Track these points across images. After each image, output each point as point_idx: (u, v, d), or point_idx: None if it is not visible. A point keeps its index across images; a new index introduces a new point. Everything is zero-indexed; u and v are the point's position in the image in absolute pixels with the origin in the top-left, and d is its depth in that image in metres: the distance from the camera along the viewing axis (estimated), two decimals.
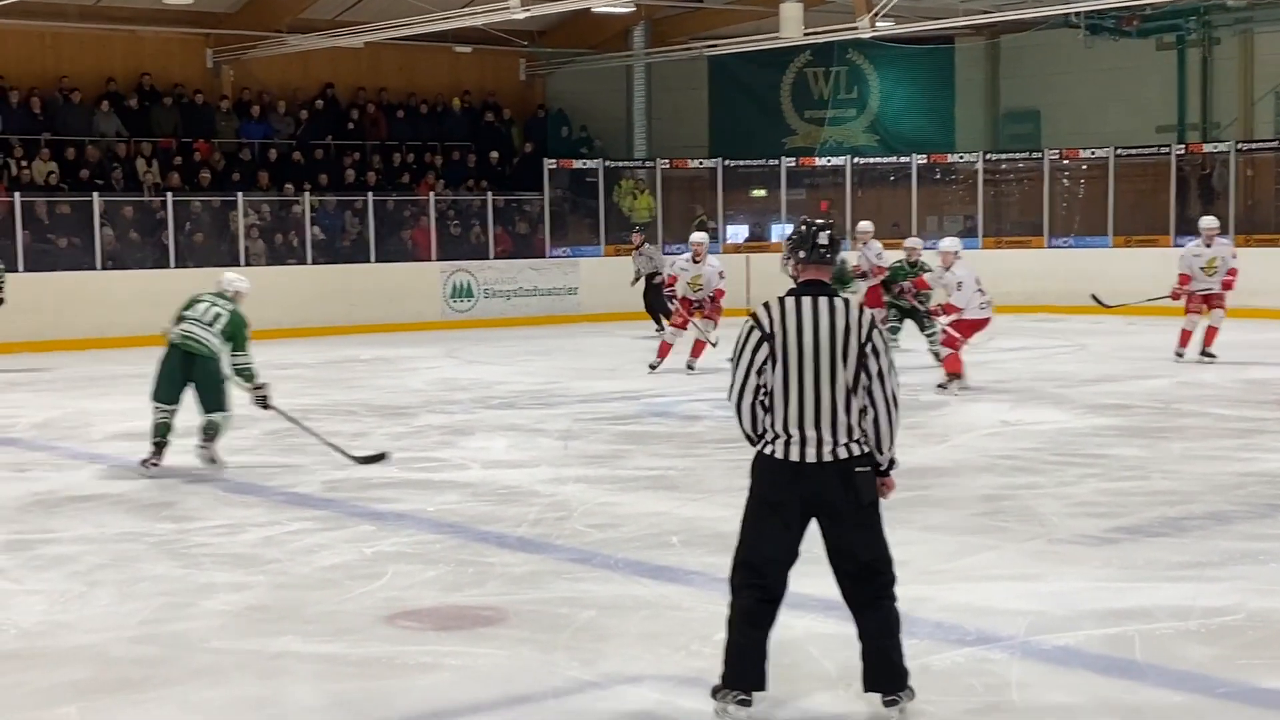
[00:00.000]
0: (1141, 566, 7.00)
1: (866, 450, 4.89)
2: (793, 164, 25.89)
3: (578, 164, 25.66)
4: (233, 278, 10.58)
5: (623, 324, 22.42)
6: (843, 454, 4.85)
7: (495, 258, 24.21)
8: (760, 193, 26.58)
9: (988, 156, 25.55)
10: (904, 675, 4.96)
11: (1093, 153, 24.02)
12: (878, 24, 21.56)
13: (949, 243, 13.76)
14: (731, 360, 5.13)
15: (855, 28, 21.71)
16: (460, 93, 27.16)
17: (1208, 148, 24.09)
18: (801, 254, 5.10)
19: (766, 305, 5.07)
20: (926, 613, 6.21)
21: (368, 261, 22.98)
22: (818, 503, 4.89)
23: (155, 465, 9.98)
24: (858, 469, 4.85)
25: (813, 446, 4.87)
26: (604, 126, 28.18)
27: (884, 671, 4.95)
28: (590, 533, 8.00)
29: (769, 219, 26.38)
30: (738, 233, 26.51)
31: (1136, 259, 21.50)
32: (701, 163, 25.98)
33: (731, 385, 5.13)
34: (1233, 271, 15.33)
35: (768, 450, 4.99)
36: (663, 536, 7.85)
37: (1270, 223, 22.13)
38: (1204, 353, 15.14)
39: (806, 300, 4.99)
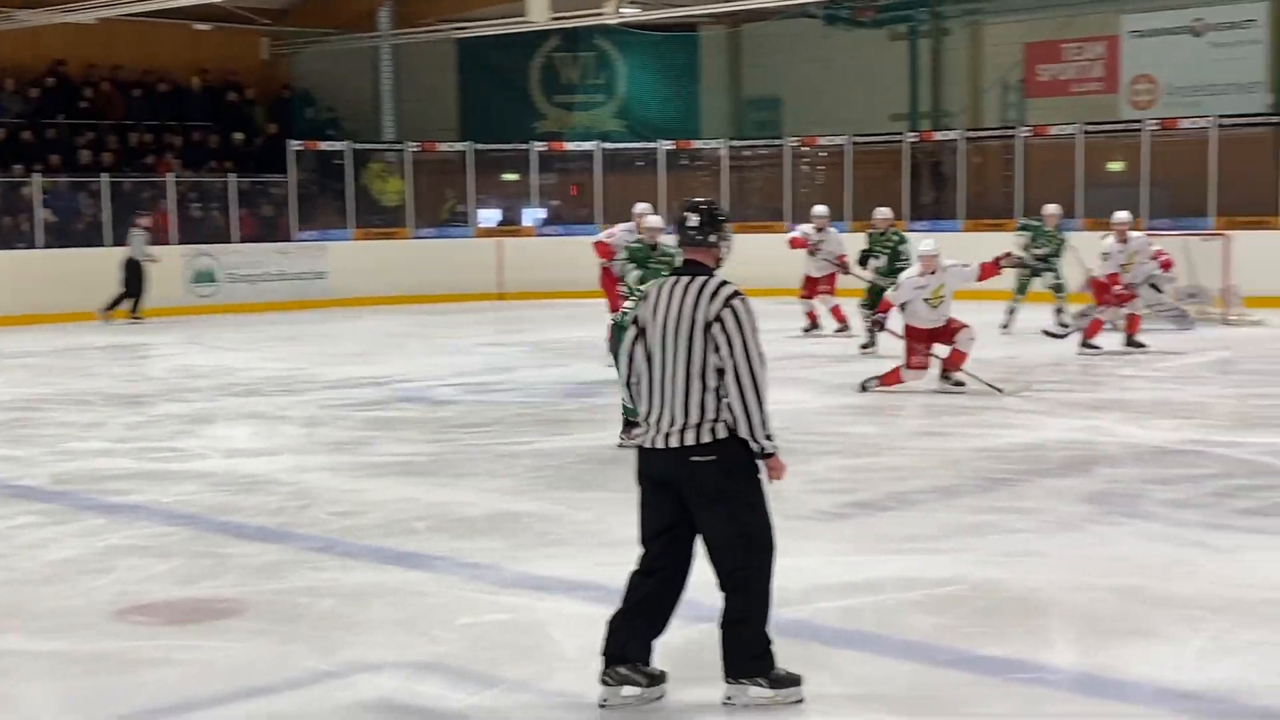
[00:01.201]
0: (872, 540, 7.22)
1: (721, 436, 4.72)
2: (543, 148, 25.93)
3: (324, 146, 25.25)
4: None
5: (373, 309, 22.24)
6: (675, 442, 4.73)
7: (240, 241, 23.68)
8: (511, 177, 26.56)
9: (731, 143, 26.01)
10: (740, 665, 4.86)
11: (831, 139, 24.65)
12: (623, 10, 21.75)
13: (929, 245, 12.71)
14: None
15: (601, 14, 21.86)
16: (200, 71, 26.48)
17: (939, 135, 24.97)
18: (678, 237, 4.99)
19: (645, 291, 5.03)
20: None
21: (103, 245, 22.22)
22: (670, 486, 4.80)
23: None
24: (693, 458, 4.70)
25: (655, 432, 4.79)
26: (352, 109, 27.83)
27: (724, 656, 4.90)
28: (333, 520, 7.91)
29: (520, 203, 26.38)
30: (490, 217, 26.45)
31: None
32: (452, 146, 25.84)
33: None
34: (1160, 253, 15.57)
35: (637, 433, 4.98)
36: (408, 523, 7.81)
37: (996, 207, 23.00)
38: (1133, 341, 14.94)
39: (678, 283, 4.84)
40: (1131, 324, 14.90)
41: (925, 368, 12.25)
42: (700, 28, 27.96)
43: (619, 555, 6.93)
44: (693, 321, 4.71)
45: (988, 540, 7.18)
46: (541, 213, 26.24)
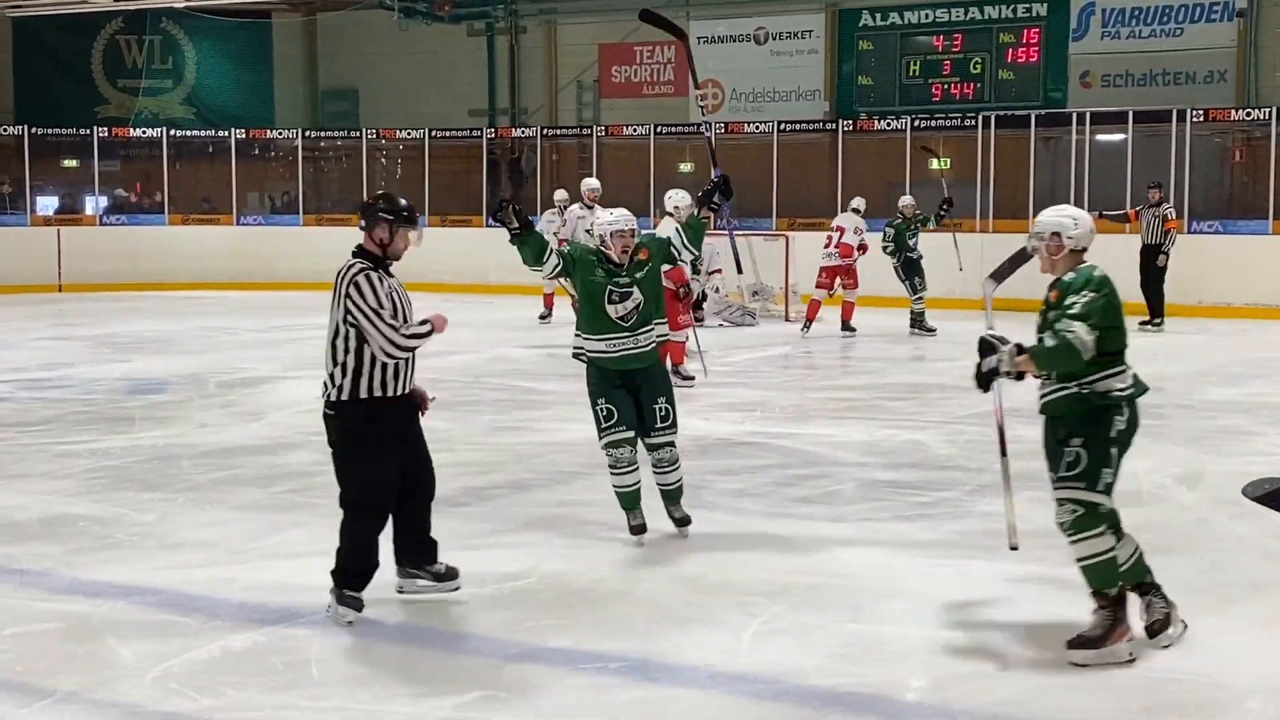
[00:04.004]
0: (447, 536, 7.21)
1: (334, 396, 5.76)
2: (106, 134, 24.81)
3: None
4: None
5: None
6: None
7: None
8: (72, 163, 25.28)
9: (307, 134, 25.57)
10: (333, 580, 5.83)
11: (409, 133, 24.56)
12: None
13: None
14: None
15: None
16: None
17: (516, 132, 25.25)
18: None
19: None
20: (231, 593, 6.16)
21: None
22: None
23: None
24: (324, 411, 5.81)
25: None
26: None
27: None
28: None
29: (82, 190, 25.16)
30: (48, 204, 25.12)
31: (453, 238, 22.15)
32: (6, 129, 24.38)
33: None
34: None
35: None
36: None
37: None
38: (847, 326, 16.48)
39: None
40: None
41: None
42: (274, 15, 27.36)
43: (182, 558, 6.75)
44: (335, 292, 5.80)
45: (559, 532, 7.30)
46: (105, 201, 25.10)
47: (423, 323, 5.78)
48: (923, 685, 5.12)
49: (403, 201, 5.91)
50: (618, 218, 6.95)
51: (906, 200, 16.87)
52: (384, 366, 5.72)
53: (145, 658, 5.29)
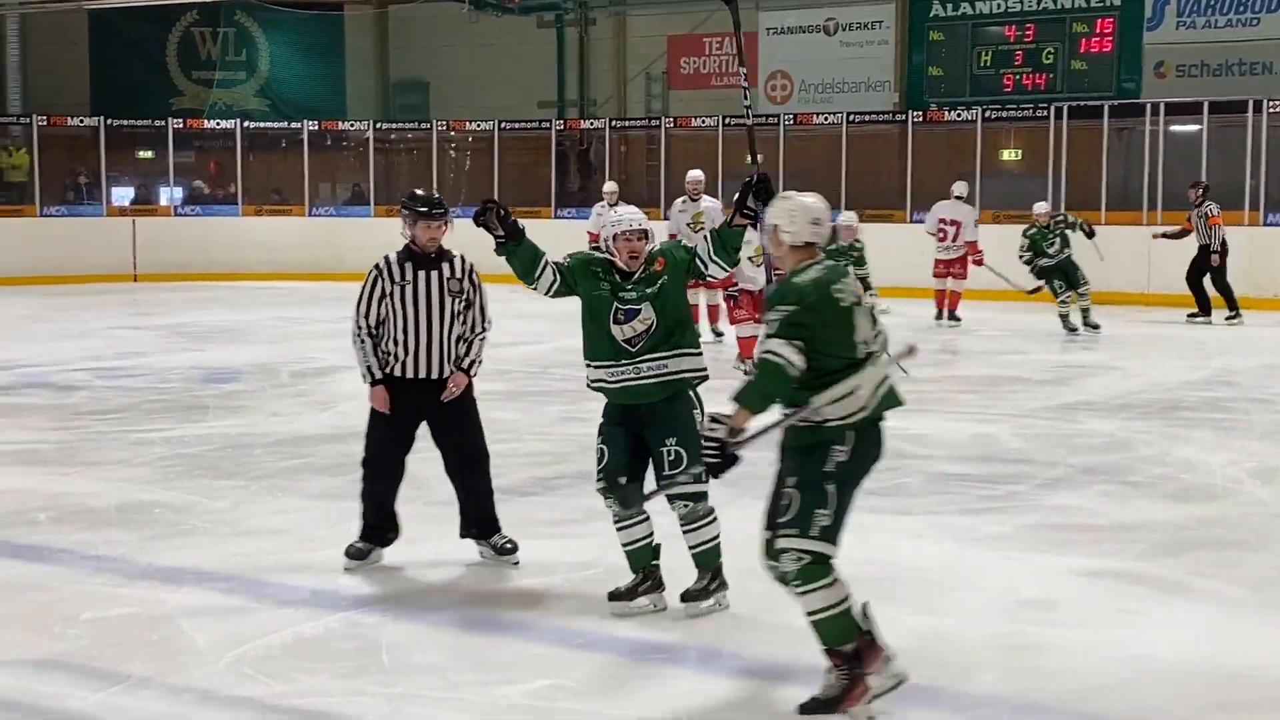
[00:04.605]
0: (514, 524, 7.26)
1: None
2: (180, 125, 25.08)
3: None
4: None
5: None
6: None
7: None
8: (147, 154, 25.59)
9: (378, 125, 25.75)
10: None
11: (478, 125, 24.66)
12: None
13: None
14: None
15: None
16: None
17: (585, 124, 25.30)
18: None
19: None
20: (303, 579, 6.24)
21: None
22: None
23: None
24: None
25: None
26: None
27: None
28: None
29: (156, 181, 25.46)
30: (124, 195, 25.43)
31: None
32: (83, 120, 24.71)
33: None
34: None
35: None
36: (29, 514, 7.45)
37: (643, 196, 23.43)
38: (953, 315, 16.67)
39: None
40: None
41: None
42: (346, 7, 27.57)
43: (255, 545, 6.84)
44: None
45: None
46: (179, 192, 25.39)
47: (368, 369, 6.52)
48: (990, 679, 5.11)
49: (420, 194, 6.43)
50: (623, 216, 5.70)
51: (1041, 207, 16.35)
52: (394, 351, 6.41)
53: (218, 643, 5.36)
